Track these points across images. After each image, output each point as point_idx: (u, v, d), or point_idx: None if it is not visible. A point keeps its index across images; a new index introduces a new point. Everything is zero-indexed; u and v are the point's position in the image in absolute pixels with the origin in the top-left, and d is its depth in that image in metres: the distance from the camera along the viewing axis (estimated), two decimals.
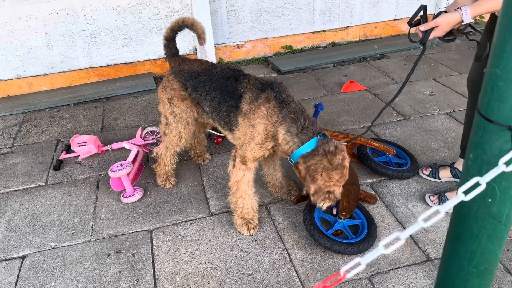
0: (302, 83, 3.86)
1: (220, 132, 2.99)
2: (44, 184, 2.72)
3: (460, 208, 0.88)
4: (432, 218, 0.76)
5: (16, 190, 2.67)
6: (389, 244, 1.88)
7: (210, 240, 2.20)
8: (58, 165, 2.85)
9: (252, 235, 2.22)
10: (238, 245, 2.16)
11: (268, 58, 4.48)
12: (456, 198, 0.75)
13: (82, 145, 2.90)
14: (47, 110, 3.71)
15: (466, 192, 0.75)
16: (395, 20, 4.80)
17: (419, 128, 3.08)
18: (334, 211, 2.19)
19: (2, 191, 2.66)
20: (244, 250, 2.12)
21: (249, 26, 4.40)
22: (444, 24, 1.90)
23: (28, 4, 3.67)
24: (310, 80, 3.96)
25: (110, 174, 2.44)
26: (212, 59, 4.31)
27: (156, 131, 2.97)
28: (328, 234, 2.07)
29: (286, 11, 4.42)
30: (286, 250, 2.11)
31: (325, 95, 3.64)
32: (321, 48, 4.69)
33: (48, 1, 3.70)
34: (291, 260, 2.05)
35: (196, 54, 4.29)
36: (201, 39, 2.36)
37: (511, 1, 0.69)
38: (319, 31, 4.63)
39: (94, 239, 2.25)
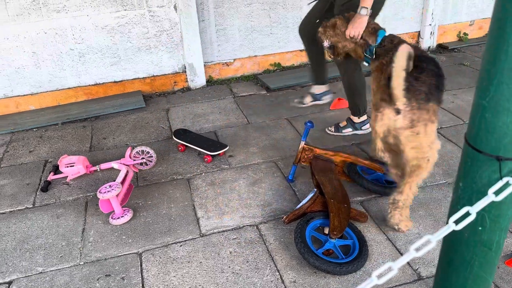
0: (291, 101, 3.89)
1: (210, 151, 2.99)
2: (31, 206, 2.68)
3: (451, 235, 0.89)
4: (424, 247, 0.77)
5: (3, 213, 2.62)
6: (382, 274, 1.88)
7: (201, 262, 2.18)
8: (46, 187, 2.81)
9: None
10: (229, 266, 2.14)
11: (257, 76, 4.51)
12: (447, 227, 0.76)
13: (71, 166, 2.87)
14: (34, 130, 3.67)
15: (457, 222, 0.76)
16: None
17: None
18: (326, 230, 2.18)
19: None
20: (235, 272, 2.10)
21: (238, 44, 4.44)
22: None
23: (15, 24, 3.65)
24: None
25: (99, 196, 2.41)
26: (202, 77, 4.33)
27: (145, 150, 2.95)
28: (318, 253, 2.06)
29: (275, 30, 4.47)
30: (278, 271, 2.10)
31: (313, 112, 3.67)
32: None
33: (36, 21, 3.69)
34: (283, 282, 2.03)
35: (185, 72, 4.30)
36: None
37: (495, 37, 0.71)
38: None
39: (82, 263, 2.21)
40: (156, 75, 4.25)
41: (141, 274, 2.12)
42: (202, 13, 4.16)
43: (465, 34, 5.21)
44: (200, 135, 3.27)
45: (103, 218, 2.52)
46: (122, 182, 2.61)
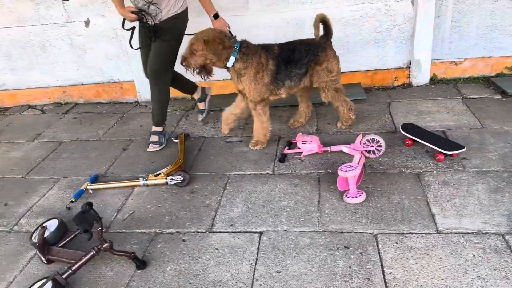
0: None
1: (444, 150, 2.88)
2: (271, 172, 3.03)
3: None
4: None
5: (249, 174, 3.03)
6: None
7: (441, 258, 2.13)
8: (283, 158, 3.14)
9: None
10: (473, 269, 2.03)
11: (490, 78, 4.12)
12: None
13: (305, 143, 3.14)
14: None
15: None
16: None
17: None
18: None
19: (238, 173, 3.06)
20: (481, 276, 1.99)
21: (472, 43, 4.12)
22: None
23: (265, 13, 4.14)
24: None
25: (340, 173, 2.57)
26: (426, 74, 4.19)
27: (376, 139, 3.01)
28: None
29: None
30: None
31: None
32: None
33: (283, 12, 4.11)
34: None
35: (409, 68, 4.22)
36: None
37: None
38: None
39: (321, 231, 2.40)
40: (379, 69, 4.28)
41: (379, 254, 2.19)
42: (440, 8, 3.99)
43: None
44: (431, 132, 3.17)
45: (336, 194, 2.69)
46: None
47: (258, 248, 2.32)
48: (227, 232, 2.47)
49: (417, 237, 2.28)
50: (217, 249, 2.34)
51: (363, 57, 4.25)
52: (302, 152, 3.17)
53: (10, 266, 2.36)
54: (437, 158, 2.92)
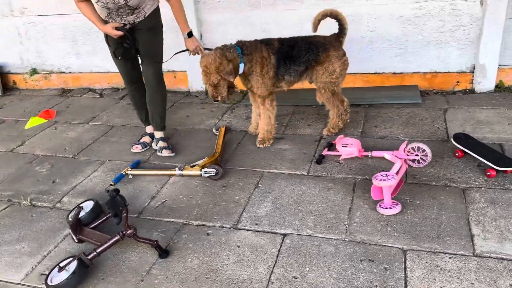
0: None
1: (497, 165, 2.64)
2: (306, 173, 2.96)
3: None
4: None
5: (283, 173, 2.99)
6: None
7: (472, 283, 1.96)
8: (320, 160, 3.05)
9: None
10: None
11: None
12: None
13: (346, 146, 3.02)
14: (313, 106, 4.02)
15: None
16: None
17: None
18: None
19: (272, 171, 3.03)
20: None
21: None
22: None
23: (319, 8, 3.99)
24: None
25: (374, 182, 2.44)
26: (491, 80, 3.86)
27: (422, 148, 2.83)
28: None
29: None
30: None
31: None
32: None
33: (339, 7, 3.90)
34: None
35: (472, 72, 3.91)
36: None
37: None
38: None
39: (347, 240, 2.31)
40: (439, 72, 4.01)
41: (405, 271, 2.06)
42: None
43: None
44: (485, 144, 2.91)
45: (369, 203, 2.57)
46: (396, 174, 2.57)
47: (279, 250, 2.28)
48: (251, 230, 2.45)
49: (450, 258, 2.11)
50: (238, 246, 2.33)
51: (423, 58, 4.00)
52: (341, 155, 3.06)
53: (47, 241, 2.53)
54: (488, 173, 2.68)
